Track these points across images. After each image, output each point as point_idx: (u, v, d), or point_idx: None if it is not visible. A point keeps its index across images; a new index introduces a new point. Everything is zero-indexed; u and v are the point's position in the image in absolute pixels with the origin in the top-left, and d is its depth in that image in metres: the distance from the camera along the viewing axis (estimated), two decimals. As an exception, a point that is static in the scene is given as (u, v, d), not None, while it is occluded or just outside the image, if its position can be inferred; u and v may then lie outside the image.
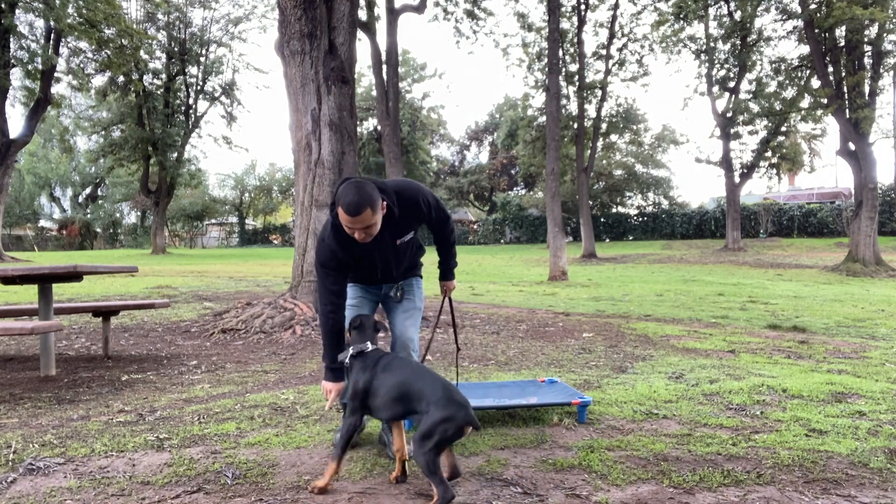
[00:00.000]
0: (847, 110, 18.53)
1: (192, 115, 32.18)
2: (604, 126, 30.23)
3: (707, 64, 26.04)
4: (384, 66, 20.64)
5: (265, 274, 15.95)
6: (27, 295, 9.89)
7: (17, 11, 20.38)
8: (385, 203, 2.61)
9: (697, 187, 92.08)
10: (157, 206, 31.58)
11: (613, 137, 36.50)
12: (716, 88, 26.64)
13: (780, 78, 24.13)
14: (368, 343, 2.62)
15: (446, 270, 3.19)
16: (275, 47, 7.77)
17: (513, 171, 50.18)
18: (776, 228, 33.31)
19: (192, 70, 31.66)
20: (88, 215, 49.44)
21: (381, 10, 21.10)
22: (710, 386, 4.16)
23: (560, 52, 21.20)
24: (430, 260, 3.01)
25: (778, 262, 22.07)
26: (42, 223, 50.48)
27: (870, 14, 16.57)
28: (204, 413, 3.57)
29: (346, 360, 2.63)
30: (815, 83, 21.18)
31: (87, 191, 53.32)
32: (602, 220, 38.92)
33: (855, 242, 18.74)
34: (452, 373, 4.73)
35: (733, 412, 3.55)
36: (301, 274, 7.20)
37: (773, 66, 24.49)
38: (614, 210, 42.50)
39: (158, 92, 30.42)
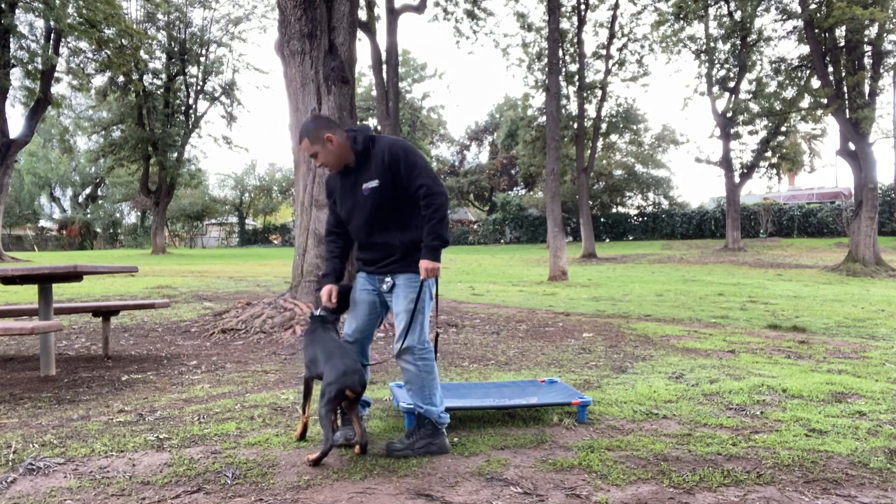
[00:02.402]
0: (847, 110, 18.52)
1: (192, 115, 32.17)
2: (604, 126, 30.22)
3: (707, 64, 26.03)
4: (384, 66, 20.64)
5: (265, 274, 15.95)
6: (27, 295, 9.89)
7: (17, 11, 20.37)
8: (331, 136, 2.88)
9: (697, 187, 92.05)
10: (157, 206, 31.57)
11: (613, 137, 36.47)
12: (716, 88, 26.63)
13: (780, 78, 24.11)
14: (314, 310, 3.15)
15: (424, 247, 2.88)
16: (275, 47, 7.77)
17: (513, 171, 50.16)
18: (776, 228, 33.30)
19: (192, 70, 31.65)
20: (88, 215, 49.43)
21: (381, 10, 21.11)
22: (710, 386, 4.16)
23: (560, 52, 21.22)
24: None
25: (778, 262, 22.07)
26: (42, 223, 50.45)
27: (870, 14, 16.57)
28: (204, 413, 3.57)
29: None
30: (815, 83, 21.16)
31: (87, 191, 53.32)
32: (602, 220, 38.90)
33: (855, 242, 18.73)
34: (453, 373, 4.73)
35: (733, 412, 3.55)
36: (301, 274, 7.19)
37: (773, 66, 24.48)
38: (614, 210, 42.48)
39: (158, 92, 30.40)
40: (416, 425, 2.93)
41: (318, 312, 3.09)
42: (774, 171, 32.10)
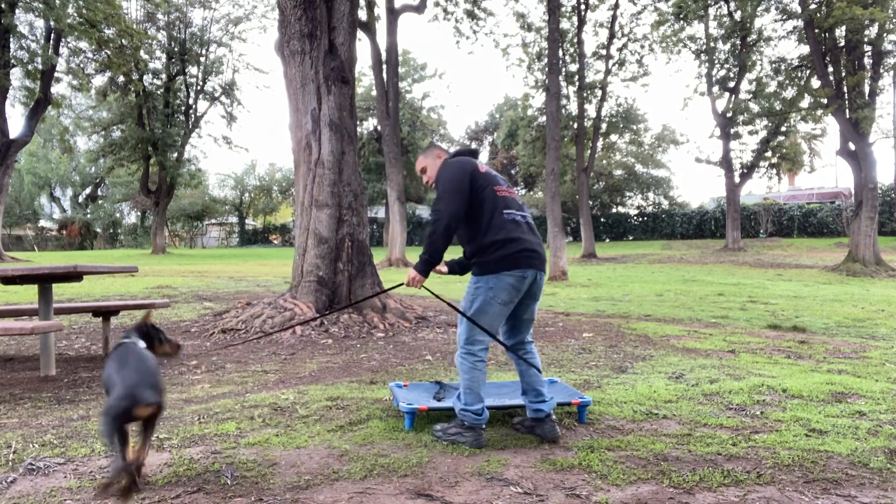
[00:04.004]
0: (847, 110, 18.51)
1: (192, 115, 32.16)
2: (604, 126, 30.19)
3: (707, 64, 26.01)
4: (384, 66, 20.65)
5: (265, 274, 15.95)
6: (27, 295, 9.89)
7: (17, 11, 20.37)
8: (440, 153, 3.32)
9: (697, 187, 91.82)
10: (157, 206, 31.55)
11: (613, 137, 36.46)
12: (716, 88, 26.61)
13: (780, 78, 24.09)
14: (127, 337, 2.69)
15: None
16: (275, 47, 7.78)
17: (513, 171, 50.15)
18: (776, 228, 33.30)
19: (192, 70, 31.64)
20: (88, 215, 49.39)
21: (381, 10, 21.13)
22: (710, 386, 4.16)
23: (560, 52, 21.19)
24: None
25: (778, 262, 22.07)
26: (42, 223, 50.41)
27: (870, 14, 16.56)
28: (204, 413, 3.57)
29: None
30: (815, 83, 21.14)
31: (87, 191, 53.27)
32: (602, 220, 38.89)
33: (855, 242, 18.72)
34: (453, 373, 4.73)
35: (733, 412, 3.55)
36: (301, 274, 7.20)
37: (773, 66, 24.45)
38: (614, 210, 42.48)
39: (158, 92, 30.39)
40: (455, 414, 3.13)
41: (123, 338, 2.69)
42: (774, 171, 32.09)
